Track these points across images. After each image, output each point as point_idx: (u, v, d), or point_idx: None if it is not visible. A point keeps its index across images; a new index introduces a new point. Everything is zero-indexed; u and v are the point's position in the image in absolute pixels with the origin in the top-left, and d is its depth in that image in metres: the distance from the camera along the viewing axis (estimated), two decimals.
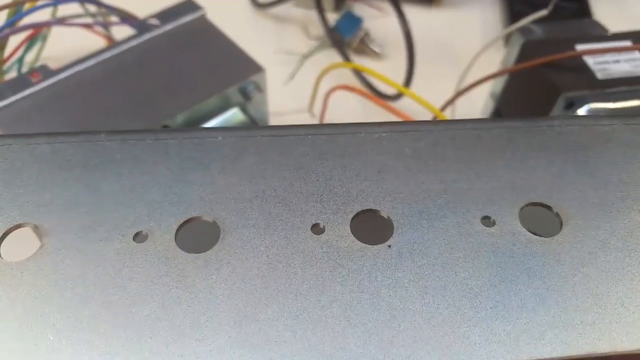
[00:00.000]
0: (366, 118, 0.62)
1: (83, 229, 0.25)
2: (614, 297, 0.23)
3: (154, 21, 0.51)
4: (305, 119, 0.62)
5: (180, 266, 0.24)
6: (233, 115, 0.49)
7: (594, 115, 0.31)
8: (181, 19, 0.51)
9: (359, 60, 0.69)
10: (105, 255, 0.24)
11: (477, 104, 0.60)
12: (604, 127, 0.29)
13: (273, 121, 0.59)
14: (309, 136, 0.28)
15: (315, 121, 0.61)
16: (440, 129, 0.28)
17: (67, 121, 0.44)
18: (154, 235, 0.24)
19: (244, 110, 0.50)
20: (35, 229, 0.25)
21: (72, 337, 0.22)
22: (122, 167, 0.27)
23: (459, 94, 0.52)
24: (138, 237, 0.24)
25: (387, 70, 0.65)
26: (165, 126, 0.45)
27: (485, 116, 0.58)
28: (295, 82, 0.66)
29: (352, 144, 0.28)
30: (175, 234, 0.24)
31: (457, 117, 0.59)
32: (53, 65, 0.50)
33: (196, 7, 0.52)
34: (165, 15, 0.52)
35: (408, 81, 0.61)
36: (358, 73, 0.65)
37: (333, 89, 0.54)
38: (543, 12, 0.52)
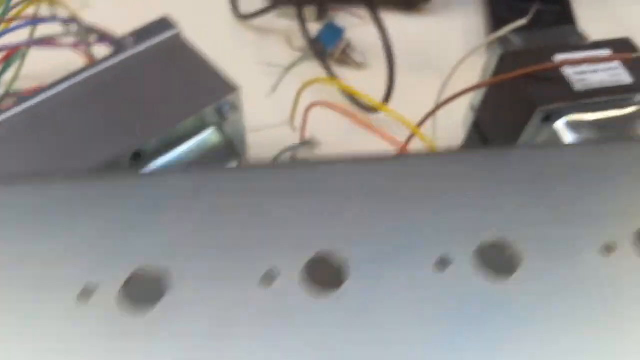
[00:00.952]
0: (348, 131, 0.62)
1: (26, 286, 0.24)
2: (569, 346, 0.23)
3: (129, 40, 0.51)
4: (287, 133, 0.62)
5: (124, 326, 0.23)
6: (209, 135, 0.49)
7: (555, 144, 0.30)
8: (156, 38, 0.51)
9: (342, 71, 0.69)
10: (49, 316, 0.23)
11: (458, 115, 0.60)
12: (567, 155, 0.28)
13: (253, 136, 0.58)
14: (265, 176, 0.27)
15: (297, 135, 0.61)
16: (398, 164, 0.28)
17: (40, 149, 0.43)
18: (100, 290, 0.24)
19: (220, 130, 0.49)
20: None
21: None
22: (72, 214, 0.26)
23: (438, 107, 0.51)
24: (83, 293, 0.24)
25: (370, 79, 0.65)
26: (137, 153, 0.44)
27: (465, 128, 0.58)
28: (278, 94, 0.66)
29: (310, 182, 0.27)
30: (122, 289, 0.24)
31: (439, 129, 0.59)
32: (30, 84, 0.50)
33: (171, 26, 0.52)
34: (139, 34, 0.51)
35: (388, 95, 0.60)
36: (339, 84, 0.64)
37: (312, 105, 0.54)
38: (522, 22, 0.51)
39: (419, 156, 0.28)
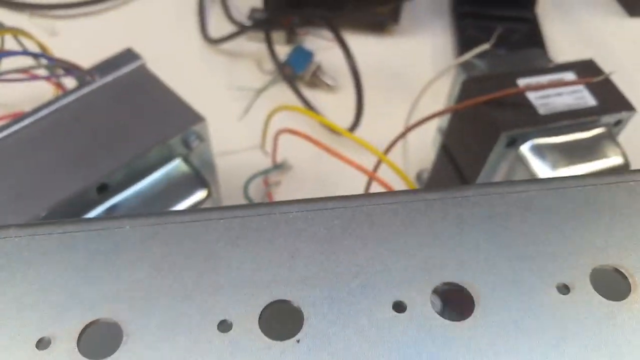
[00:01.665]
0: (319, 155, 0.62)
1: None
2: None
3: (94, 73, 0.51)
4: (258, 156, 0.62)
5: None
6: (176, 166, 0.49)
7: (510, 181, 0.31)
8: (120, 69, 0.51)
9: (312, 93, 0.69)
10: None
11: (428, 136, 0.60)
12: (522, 194, 0.28)
13: (225, 160, 0.58)
14: (222, 220, 0.27)
15: (268, 159, 0.61)
16: (356, 204, 0.28)
17: (5, 185, 0.43)
18: (57, 340, 0.24)
19: (186, 160, 0.49)
20: None
21: None
22: (28, 266, 0.26)
23: (406, 131, 0.51)
24: (40, 343, 0.24)
25: (341, 101, 0.65)
26: (103, 185, 0.44)
27: (434, 150, 0.58)
28: (249, 118, 0.66)
29: (265, 227, 0.27)
30: (78, 339, 0.24)
31: (409, 150, 0.59)
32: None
33: (135, 57, 0.52)
34: (104, 67, 0.51)
35: (357, 119, 0.60)
36: (309, 106, 0.64)
37: (280, 131, 0.54)
38: (485, 46, 0.52)
39: (377, 197, 0.28)
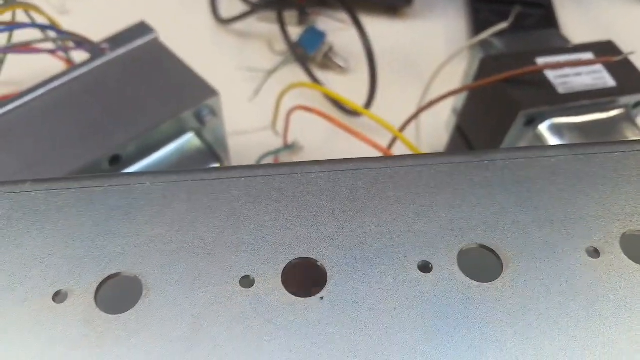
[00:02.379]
0: (330, 134, 0.61)
1: (2, 289, 0.23)
2: (557, 347, 0.22)
3: (106, 46, 0.50)
4: (269, 137, 0.61)
5: (100, 329, 0.22)
6: (188, 140, 0.48)
7: (539, 146, 0.30)
8: (133, 42, 0.50)
9: (324, 75, 0.68)
10: (24, 318, 0.23)
11: (442, 118, 0.59)
12: (550, 159, 0.28)
13: (234, 141, 0.57)
14: (243, 179, 0.27)
15: (279, 139, 0.60)
16: (379, 166, 0.27)
17: (16, 155, 0.42)
18: (74, 294, 0.23)
19: (199, 135, 0.48)
20: None
21: None
22: (46, 219, 0.25)
23: (420, 111, 0.51)
24: (58, 296, 0.23)
25: (353, 83, 0.65)
26: (116, 156, 0.43)
27: (448, 131, 0.57)
28: (260, 99, 0.65)
29: (288, 186, 0.27)
30: (96, 293, 0.23)
31: (422, 132, 0.59)
32: (10, 90, 0.49)
33: (148, 30, 0.51)
34: (117, 40, 0.51)
35: (370, 99, 0.60)
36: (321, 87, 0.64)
37: (293, 109, 0.53)
38: (503, 25, 0.51)
39: (401, 159, 0.28)
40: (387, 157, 0.28)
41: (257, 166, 0.28)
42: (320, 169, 0.27)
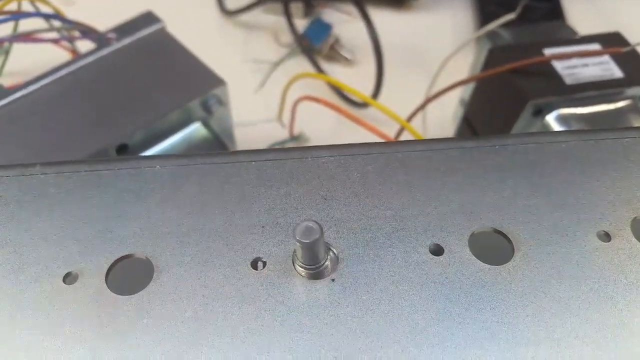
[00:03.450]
0: (336, 126, 0.61)
1: (12, 270, 0.23)
2: (568, 329, 0.22)
3: (112, 35, 0.50)
4: (275, 129, 0.61)
5: (111, 309, 0.22)
6: (195, 130, 0.48)
7: (549, 132, 0.30)
8: (140, 32, 0.50)
9: (330, 67, 0.68)
10: (34, 299, 0.23)
11: (449, 110, 0.59)
12: (561, 144, 0.28)
13: (240, 132, 0.57)
14: (253, 163, 0.27)
15: (285, 131, 0.60)
16: (389, 151, 0.27)
17: (22, 143, 0.42)
18: (85, 275, 0.23)
19: (206, 125, 0.48)
20: None
21: None
22: (55, 202, 0.25)
23: (428, 101, 0.51)
24: (68, 278, 0.23)
25: (359, 75, 0.64)
26: (123, 145, 0.43)
27: (455, 123, 0.57)
28: (266, 91, 0.65)
29: (298, 170, 0.27)
30: (107, 274, 0.23)
31: (429, 124, 0.58)
32: (15, 80, 0.49)
33: (155, 20, 0.51)
34: (123, 29, 0.51)
35: (377, 90, 0.60)
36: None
37: (299, 100, 0.53)
38: (511, 16, 0.51)
39: (411, 144, 0.28)
40: (398, 142, 0.28)
41: (268, 150, 0.28)
42: (331, 153, 0.27)
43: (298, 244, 0.21)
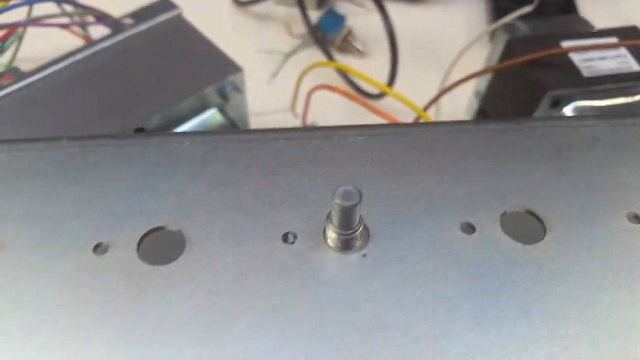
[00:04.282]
0: (349, 117, 0.61)
1: (41, 241, 0.23)
2: (600, 308, 0.22)
3: (129, 21, 0.50)
4: (288, 119, 0.61)
5: (142, 280, 0.22)
6: (211, 116, 0.48)
7: (577, 115, 0.30)
8: (156, 18, 0.50)
9: (343, 59, 0.68)
10: (63, 269, 0.23)
11: (462, 103, 0.59)
12: (589, 128, 0.28)
13: (254, 121, 0.57)
14: (280, 141, 0.27)
15: (298, 121, 0.60)
16: (418, 132, 0.27)
17: (38, 125, 0.42)
18: (115, 247, 0.23)
19: (222, 111, 0.48)
20: None
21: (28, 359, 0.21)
22: (83, 175, 0.25)
23: (443, 92, 0.51)
24: (98, 249, 0.23)
25: (371, 68, 0.64)
26: (140, 129, 0.43)
27: (469, 115, 0.57)
28: (278, 81, 0.65)
29: (325, 149, 0.27)
30: (138, 246, 0.23)
31: (442, 116, 0.58)
32: (28, 66, 0.48)
33: (172, 6, 0.51)
34: (140, 15, 0.50)
35: (391, 80, 0.60)
36: (341, 72, 0.64)
37: (314, 89, 0.53)
38: (528, 9, 0.51)
39: (439, 125, 0.28)
40: (425, 123, 0.28)
41: (295, 129, 0.28)
42: (358, 133, 0.27)
43: (337, 207, 0.21)
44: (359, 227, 0.23)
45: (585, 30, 0.53)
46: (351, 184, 0.24)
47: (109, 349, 0.21)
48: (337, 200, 0.21)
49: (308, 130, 0.27)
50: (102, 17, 0.53)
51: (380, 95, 0.61)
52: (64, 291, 0.22)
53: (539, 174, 0.26)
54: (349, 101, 0.60)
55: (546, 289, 0.22)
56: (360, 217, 0.23)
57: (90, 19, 0.56)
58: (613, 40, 0.49)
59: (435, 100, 0.51)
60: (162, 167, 0.25)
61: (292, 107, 0.59)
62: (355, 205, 0.21)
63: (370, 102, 0.62)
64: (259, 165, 0.26)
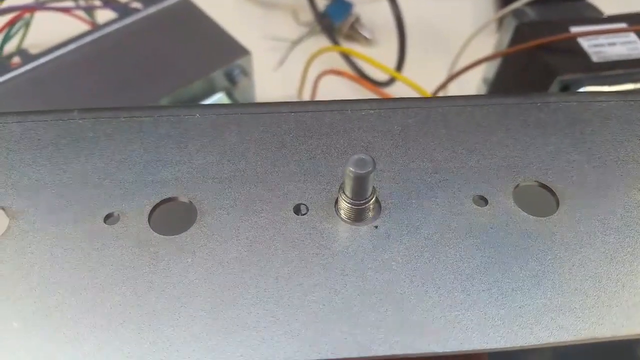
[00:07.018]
0: None
1: (52, 210, 0.23)
2: (614, 279, 0.22)
3: (137, 4, 0.50)
4: None
5: (154, 249, 0.22)
6: (219, 100, 0.48)
7: (590, 91, 0.30)
8: (165, 1, 0.50)
9: (350, 46, 0.68)
10: (74, 238, 0.22)
11: (470, 90, 0.59)
12: (602, 103, 0.27)
13: None
14: (292, 114, 0.27)
15: None
16: (430, 105, 0.27)
17: (47, 106, 0.42)
18: (126, 216, 0.23)
19: (229, 95, 0.48)
20: (3, 211, 0.23)
21: (38, 325, 0.21)
22: (94, 146, 0.25)
23: (451, 78, 0.50)
24: (109, 218, 0.23)
25: (378, 56, 0.64)
26: None
27: None
28: (285, 68, 0.65)
29: (338, 122, 0.26)
30: (149, 216, 0.23)
31: None
32: (36, 52, 0.48)
33: None
34: None
35: (399, 66, 0.59)
36: (348, 59, 0.63)
37: (322, 73, 0.53)
38: None
39: (452, 99, 0.27)
40: (438, 97, 0.28)
41: (308, 102, 0.27)
42: (371, 106, 0.27)
43: (350, 174, 0.21)
44: (372, 198, 0.23)
45: (594, 16, 0.53)
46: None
47: (120, 317, 0.21)
48: (351, 168, 0.21)
49: (321, 104, 0.27)
50: (109, 1, 0.53)
51: (387, 83, 0.61)
52: (75, 259, 0.22)
53: (552, 147, 0.26)
54: (357, 88, 0.60)
55: (559, 260, 0.22)
56: (374, 187, 0.23)
57: (97, 2, 0.56)
58: (622, 25, 0.49)
59: (443, 85, 0.51)
60: (174, 138, 0.25)
61: (300, 93, 0.59)
62: (369, 173, 0.21)
63: (378, 88, 0.62)
64: (271, 137, 0.26)
